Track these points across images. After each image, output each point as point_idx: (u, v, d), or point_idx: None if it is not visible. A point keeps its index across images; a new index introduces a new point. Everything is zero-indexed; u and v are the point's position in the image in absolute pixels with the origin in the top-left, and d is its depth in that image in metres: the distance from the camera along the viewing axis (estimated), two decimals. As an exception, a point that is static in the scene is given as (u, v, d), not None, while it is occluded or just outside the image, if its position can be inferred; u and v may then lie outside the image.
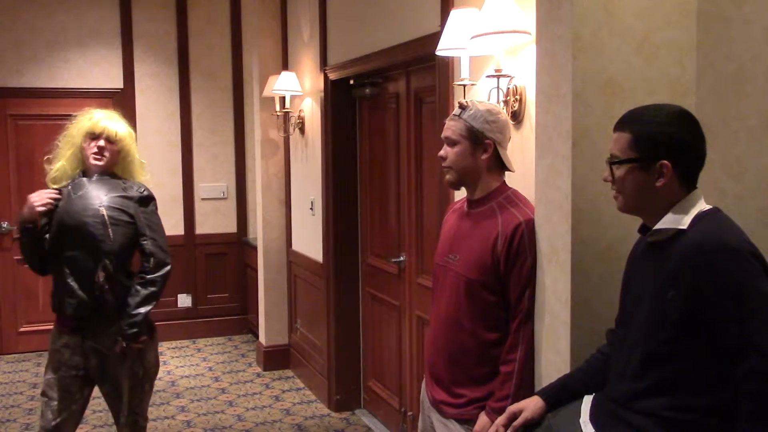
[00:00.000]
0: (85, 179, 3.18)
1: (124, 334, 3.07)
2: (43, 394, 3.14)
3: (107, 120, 3.19)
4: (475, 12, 2.71)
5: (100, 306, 3.09)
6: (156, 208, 3.28)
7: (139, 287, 3.12)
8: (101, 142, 3.15)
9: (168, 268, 3.20)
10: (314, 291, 5.18)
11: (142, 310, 3.09)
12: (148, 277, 3.14)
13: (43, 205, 3.08)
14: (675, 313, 1.65)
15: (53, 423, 3.09)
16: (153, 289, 3.13)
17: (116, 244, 3.11)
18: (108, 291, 3.08)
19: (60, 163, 3.23)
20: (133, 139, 3.29)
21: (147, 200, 3.23)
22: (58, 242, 3.11)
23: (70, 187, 3.16)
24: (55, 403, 3.10)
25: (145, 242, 3.17)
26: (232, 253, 6.78)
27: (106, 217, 3.09)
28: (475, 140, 2.33)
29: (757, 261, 1.62)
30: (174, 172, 6.59)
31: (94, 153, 3.15)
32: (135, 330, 3.07)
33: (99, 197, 3.12)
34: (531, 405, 1.96)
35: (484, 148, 2.33)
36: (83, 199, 3.11)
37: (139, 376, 3.18)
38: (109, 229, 3.09)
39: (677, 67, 2.12)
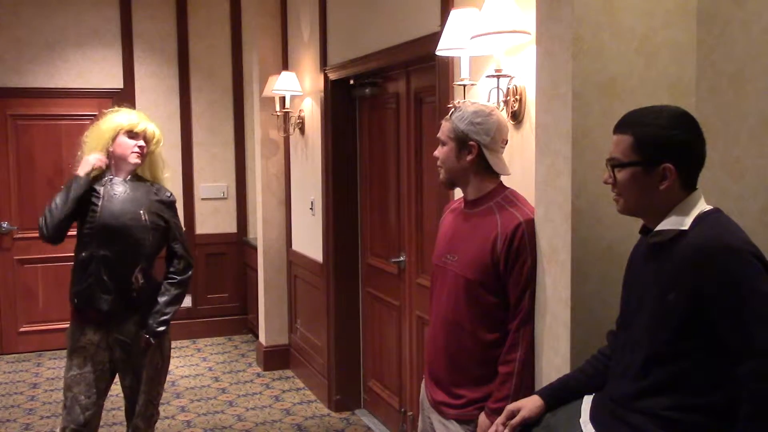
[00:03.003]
0: (119, 179, 3.23)
1: (152, 331, 3.19)
2: (68, 389, 3.18)
3: (145, 121, 3.28)
4: (475, 12, 2.71)
5: (133, 304, 3.19)
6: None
7: (170, 287, 3.26)
8: (141, 142, 3.23)
9: (192, 270, 3.36)
10: (314, 291, 5.18)
11: (172, 309, 3.25)
12: (179, 278, 3.28)
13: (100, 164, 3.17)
14: (676, 314, 1.65)
15: (82, 418, 3.14)
16: (182, 289, 3.29)
17: (153, 248, 3.24)
18: (143, 291, 3.19)
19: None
20: (160, 143, 3.37)
21: (174, 205, 3.35)
22: (96, 240, 3.14)
23: (108, 186, 3.20)
24: (83, 398, 3.16)
25: (176, 246, 3.31)
26: (232, 253, 6.78)
27: (149, 222, 3.19)
28: (459, 142, 2.35)
29: (759, 261, 1.62)
30: (174, 172, 6.57)
31: (136, 152, 3.22)
32: (164, 328, 3.22)
33: (139, 200, 3.20)
34: (529, 404, 1.96)
35: (469, 149, 2.34)
36: (124, 202, 3.17)
37: (159, 367, 3.29)
38: (150, 233, 3.20)
39: (677, 67, 2.12)
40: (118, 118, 3.25)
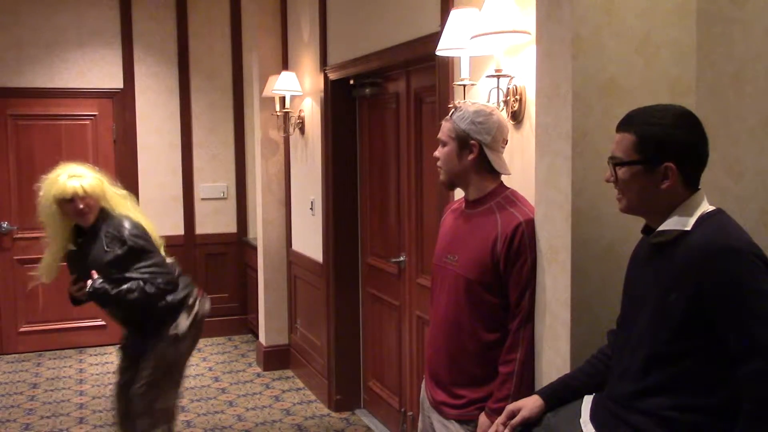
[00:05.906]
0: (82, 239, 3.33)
1: (94, 285, 3.16)
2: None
3: (72, 180, 3.24)
4: (475, 12, 2.71)
5: (140, 327, 3.39)
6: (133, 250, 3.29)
7: (141, 283, 3.20)
8: (79, 205, 3.22)
9: (171, 297, 3.35)
10: (314, 291, 5.18)
11: (124, 294, 3.16)
12: (157, 289, 3.25)
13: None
14: (678, 314, 1.65)
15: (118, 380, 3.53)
16: (145, 297, 3.20)
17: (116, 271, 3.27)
18: (146, 317, 3.34)
19: (58, 242, 3.34)
20: (103, 181, 3.34)
21: (131, 250, 3.23)
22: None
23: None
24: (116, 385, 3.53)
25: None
26: (232, 253, 6.78)
27: (105, 275, 3.21)
28: (460, 141, 2.35)
29: (761, 262, 1.62)
30: (174, 172, 6.59)
31: (77, 216, 3.26)
32: (94, 296, 3.20)
33: (93, 262, 3.24)
34: (529, 403, 1.96)
35: (470, 149, 2.34)
36: (82, 260, 3.29)
37: (170, 359, 3.37)
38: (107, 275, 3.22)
39: (677, 67, 2.12)
40: (49, 190, 3.25)
